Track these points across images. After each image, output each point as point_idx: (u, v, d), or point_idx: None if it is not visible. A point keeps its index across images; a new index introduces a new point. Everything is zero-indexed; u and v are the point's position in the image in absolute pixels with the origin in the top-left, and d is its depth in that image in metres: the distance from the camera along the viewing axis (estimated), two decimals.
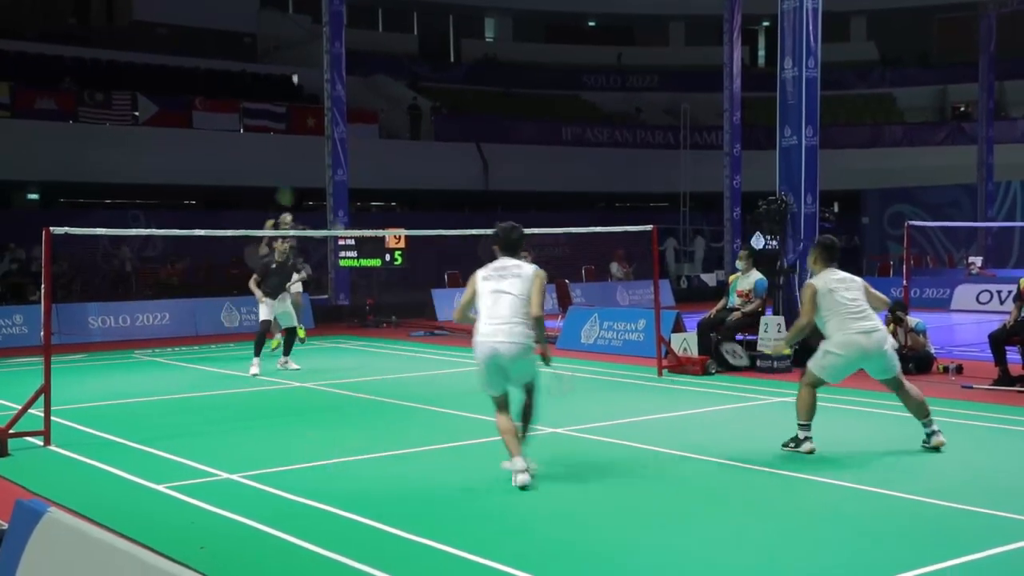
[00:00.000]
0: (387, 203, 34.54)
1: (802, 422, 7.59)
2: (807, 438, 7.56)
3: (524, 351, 6.61)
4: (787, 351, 7.76)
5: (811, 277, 7.88)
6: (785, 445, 7.66)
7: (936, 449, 7.55)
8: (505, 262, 6.84)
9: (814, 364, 7.63)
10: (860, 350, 7.49)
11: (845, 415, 8.97)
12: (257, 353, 12.47)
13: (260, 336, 12.71)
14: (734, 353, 12.41)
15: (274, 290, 12.62)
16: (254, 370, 12.27)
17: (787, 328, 12.31)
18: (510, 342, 6.56)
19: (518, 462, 6.57)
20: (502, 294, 6.67)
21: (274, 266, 12.71)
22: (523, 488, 6.45)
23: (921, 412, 7.66)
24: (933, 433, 7.64)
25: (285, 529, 5.71)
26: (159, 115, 26.01)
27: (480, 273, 6.86)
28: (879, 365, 7.61)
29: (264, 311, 12.60)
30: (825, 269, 7.76)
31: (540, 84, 38.23)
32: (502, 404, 6.79)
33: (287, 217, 14.45)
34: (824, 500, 6.40)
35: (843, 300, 7.55)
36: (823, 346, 7.60)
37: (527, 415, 6.90)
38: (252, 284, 12.68)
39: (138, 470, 7.26)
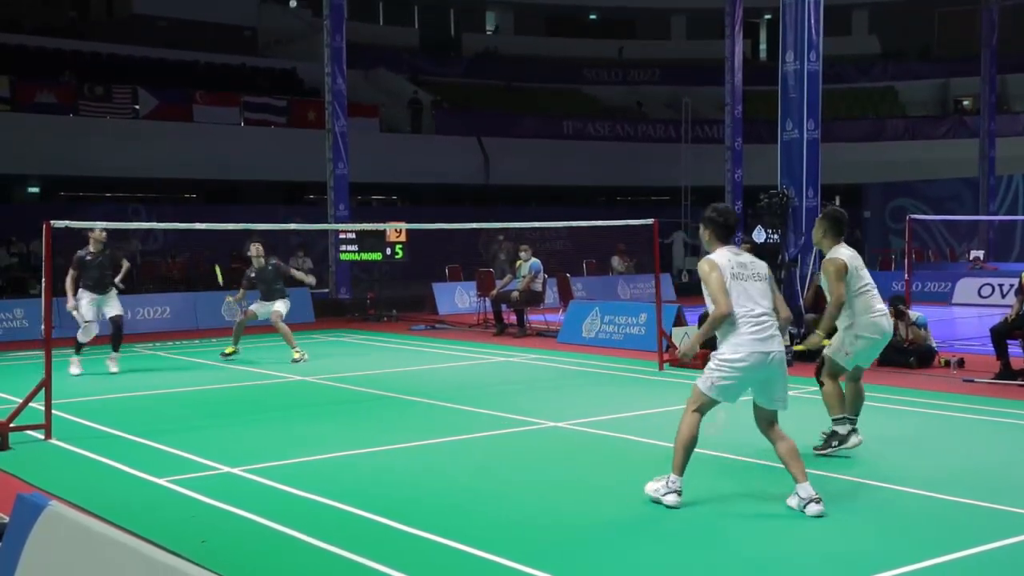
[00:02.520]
0: (388, 197, 34.54)
1: (838, 416, 7.12)
2: (852, 431, 7.09)
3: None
4: (826, 342, 7.26)
5: (830, 253, 7.19)
6: (823, 450, 7.10)
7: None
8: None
9: (837, 353, 7.12)
10: (884, 333, 7.17)
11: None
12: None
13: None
14: None
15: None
16: (74, 369, 11.80)
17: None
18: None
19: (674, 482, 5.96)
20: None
21: (88, 258, 11.79)
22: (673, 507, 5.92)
23: (851, 409, 7.27)
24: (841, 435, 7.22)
25: (286, 523, 5.71)
26: (159, 109, 25.99)
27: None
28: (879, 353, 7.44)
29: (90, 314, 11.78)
30: (836, 244, 7.26)
31: (541, 78, 38.19)
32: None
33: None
34: (825, 493, 6.38)
35: (867, 277, 7.16)
36: (850, 330, 7.10)
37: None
38: (68, 280, 11.77)
39: (139, 464, 7.25)
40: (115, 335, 12.06)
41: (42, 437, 8.16)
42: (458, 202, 33.11)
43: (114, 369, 12.04)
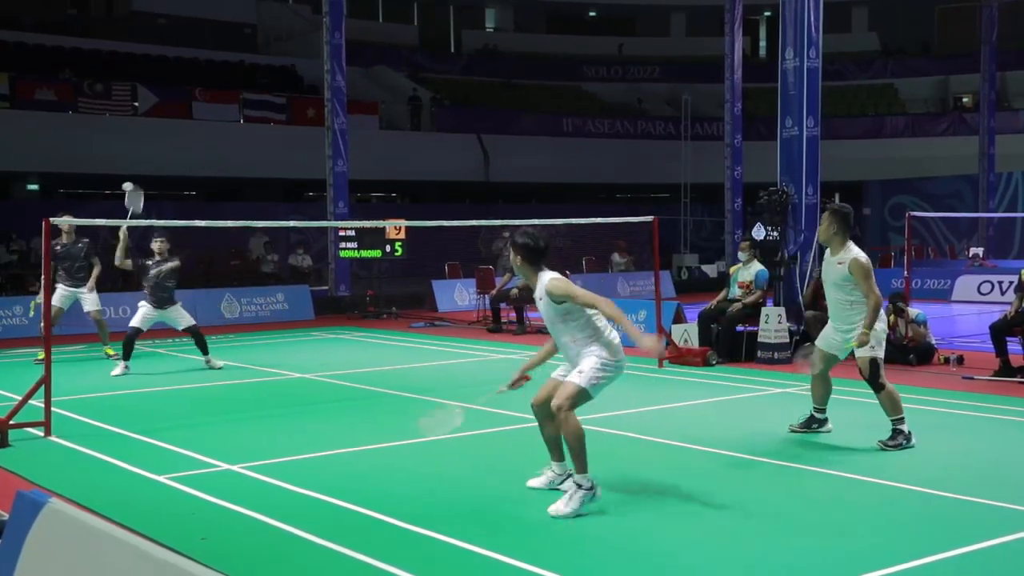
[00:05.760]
0: (387, 194, 34.54)
1: (897, 416, 7.31)
2: (826, 418, 7.49)
3: None
4: (851, 344, 7.39)
5: (842, 252, 7.34)
6: (892, 445, 7.24)
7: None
8: None
9: (877, 353, 7.28)
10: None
11: (846, 406, 8.94)
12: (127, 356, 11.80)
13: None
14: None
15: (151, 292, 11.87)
16: (117, 371, 11.68)
17: (786, 319, 12.32)
18: None
19: None
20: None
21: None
22: None
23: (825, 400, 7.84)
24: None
25: (286, 520, 5.71)
26: (159, 106, 25.98)
27: None
28: None
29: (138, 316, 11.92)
30: (846, 241, 7.40)
31: (541, 75, 38.17)
32: None
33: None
34: (826, 491, 6.39)
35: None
36: (877, 327, 7.29)
37: None
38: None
39: (138, 461, 7.25)
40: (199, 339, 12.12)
41: (42, 434, 8.16)
42: (458, 199, 33.11)
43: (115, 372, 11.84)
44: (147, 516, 5.84)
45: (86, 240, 12.87)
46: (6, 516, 3.81)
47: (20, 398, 8.35)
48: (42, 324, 8.43)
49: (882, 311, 7.38)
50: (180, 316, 12.15)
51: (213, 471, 7.01)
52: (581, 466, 5.88)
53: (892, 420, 7.36)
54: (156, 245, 11.94)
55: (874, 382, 7.35)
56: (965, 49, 35.53)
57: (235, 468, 7.05)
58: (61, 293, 12.73)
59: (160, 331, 16.82)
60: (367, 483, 6.64)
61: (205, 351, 12.13)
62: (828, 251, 7.57)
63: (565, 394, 5.90)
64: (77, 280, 12.80)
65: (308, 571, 5.02)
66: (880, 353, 7.35)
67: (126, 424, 8.66)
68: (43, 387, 8.29)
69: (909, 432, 7.33)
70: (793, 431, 7.97)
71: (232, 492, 6.35)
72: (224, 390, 10.90)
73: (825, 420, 7.94)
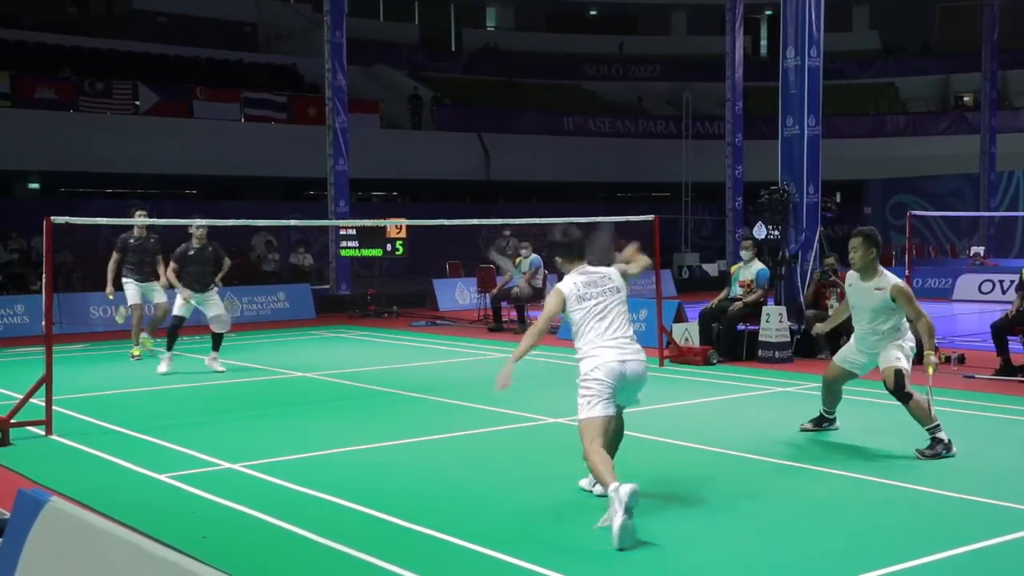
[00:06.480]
0: (388, 193, 34.52)
1: (932, 424, 7.13)
2: (950, 439, 7.12)
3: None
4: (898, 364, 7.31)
5: (877, 278, 7.26)
6: (932, 455, 7.03)
7: None
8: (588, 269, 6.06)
9: (903, 364, 7.19)
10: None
11: (847, 405, 8.94)
12: (170, 347, 11.90)
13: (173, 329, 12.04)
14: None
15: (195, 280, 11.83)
16: (162, 367, 11.75)
17: (787, 318, 12.32)
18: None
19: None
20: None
21: (191, 253, 11.86)
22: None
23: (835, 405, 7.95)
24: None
25: (287, 518, 5.71)
26: (160, 104, 25.96)
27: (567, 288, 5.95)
28: None
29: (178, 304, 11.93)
30: (879, 266, 7.35)
31: (541, 74, 38.15)
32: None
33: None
34: (826, 490, 6.39)
35: None
36: (904, 343, 7.27)
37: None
38: (170, 273, 11.90)
39: (139, 459, 7.26)
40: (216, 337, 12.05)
41: (43, 433, 8.16)
42: (459, 198, 33.10)
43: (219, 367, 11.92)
44: (148, 515, 5.84)
45: (156, 236, 13.11)
46: (7, 515, 3.81)
47: (21, 397, 8.36)
48: (42, 324, 8.42)
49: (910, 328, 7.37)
50: (214, 304, 12.06)
51: (214, 470, 7.01)
52: (600, 479, 5.55)
53: (927, 429, 7.14)
54: (197, 232, 11.89)
55: (900, 392, 7.19)
56: (966, 48, 35.51)
57: (236, 467, 7.05)
58: (134, 290, 12.90)
59: (161, 329, 16.82)
60: (367, 482, 6.65)
61: (215, 347, 12.04)
62: (858, 276, 7.38)
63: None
64: (146, 274, 12.98)
65: (309, 569, 5.03)
66: (907, 365, 7.21)
67: (127, 423, 8.67)
68: (44, 386, 8.29)
69: (949, 441, 7.09)
70: (804, 430, 7.96)
71: (233, 491, 6.36)
72: (225, 389, 10.91)
73: (834, 419, 8.02)
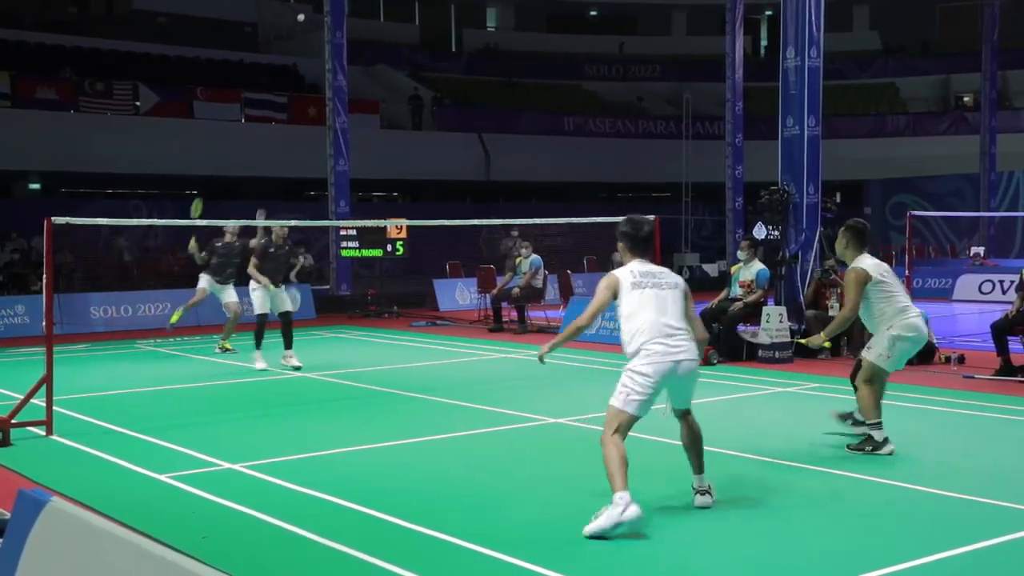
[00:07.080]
0: (388, 193, 34.53)
1: (873, 421, 7.17)
2: (886, 439, 7.13)
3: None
4: (827, 344, 7.34)
5: (852, 263, 7.28)
6: (858, 448, 7.16)
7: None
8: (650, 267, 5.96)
9: (877, 356, 7.17)
10: (923, 334, 7.31)
11: (848, 405, 8.95)
12: (258, 345, 12.07)
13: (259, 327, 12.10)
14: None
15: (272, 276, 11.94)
16: (259, 364, 11.90)
17: (787, 318, 12.32)
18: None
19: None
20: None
21: (272, 250, 12.01)
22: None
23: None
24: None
25: (287, 519, 5.71)
26: (160, 105, 25.98)
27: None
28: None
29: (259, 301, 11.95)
30: (859, 255, 7.34)
31: (542, 74, 38.15)
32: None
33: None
34: (826, 489, 6.39)
35: (894, 283, 7.28)
36: (888, 332, 7.15)
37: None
38: (252, 269, 12.01)
39: (140, 460, 7.26)
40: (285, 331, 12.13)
41: (43, 433, 8.17)
42: (459, 198, 33.10)
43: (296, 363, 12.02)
44: (148, 515, 5.84)
45: (243, 240, 13.13)
46: (8, 515, 3.82)
47: (22, 397, 8.36)
48: (43, 324, 8.42)
49: (915, 320, 7.21)
50: (289, 296, 12.27)
51: (214, 470, 7.01)
52: (610, 479, 5.49)
53: (867, 424, 7.25)
54: (278, 231, 12.11)
55: (852, 380, 7.37)
56: (966, 48, 35.50)
57: (236, 467, 7.05)
58: (204, 285, 13.25)
59: (161, 330, 16.83)
60: (368, 482, 6.65)
61: (287, 345, 12.11)
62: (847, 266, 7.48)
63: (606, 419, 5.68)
64: (226, 277, 13.21)
65: (309, 570, 5.03)
66: (886, 366, 7.19)
67: (127, 423, 8.67)
68: (44, 386, 8.30)
69: (883, 441, 7.12)
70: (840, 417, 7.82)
71: (233, 491, 6.36)
72: (225, 389, 10.91)
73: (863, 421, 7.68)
